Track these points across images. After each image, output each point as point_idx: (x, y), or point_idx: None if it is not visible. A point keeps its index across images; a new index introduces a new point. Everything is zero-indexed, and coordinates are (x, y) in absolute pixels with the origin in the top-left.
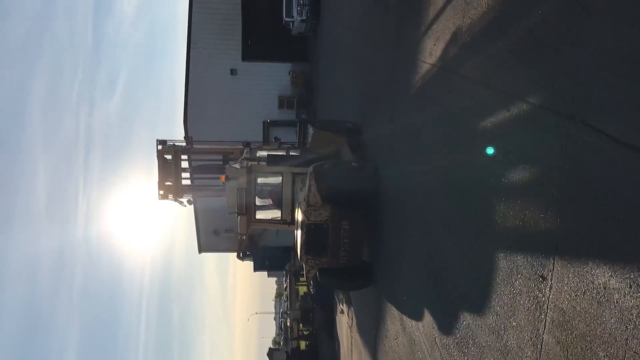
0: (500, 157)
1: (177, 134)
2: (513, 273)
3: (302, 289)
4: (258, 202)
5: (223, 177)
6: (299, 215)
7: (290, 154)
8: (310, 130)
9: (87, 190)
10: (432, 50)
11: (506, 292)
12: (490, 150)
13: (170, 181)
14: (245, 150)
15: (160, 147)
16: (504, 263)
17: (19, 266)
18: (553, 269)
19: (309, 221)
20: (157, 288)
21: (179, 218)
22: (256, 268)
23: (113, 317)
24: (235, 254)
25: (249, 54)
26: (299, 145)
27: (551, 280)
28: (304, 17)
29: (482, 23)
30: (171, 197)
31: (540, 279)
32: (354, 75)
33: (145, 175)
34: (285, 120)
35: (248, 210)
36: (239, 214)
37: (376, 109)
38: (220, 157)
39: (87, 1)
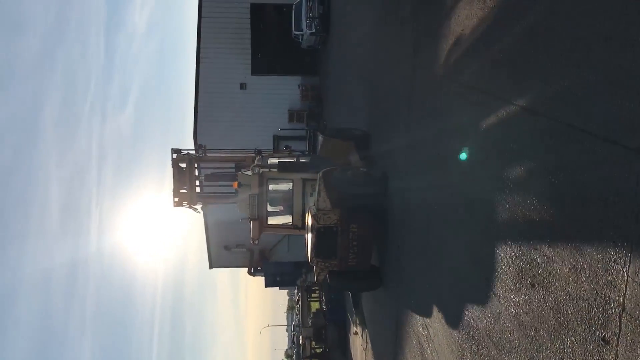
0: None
1: (188, 145)
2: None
3: (315, 306)
4: (269, 207)
5: (235, 184)
6: (309, 219)
7: (301, 161)
8: (320, 138)
9: (100, 202)
10: (450, 62)
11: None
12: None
13: (184, 188)
14: (257, 158)
15: (175, 155)
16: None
17: (33, 280)
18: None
19: (319, 225)
20: (169, 300)
21: (191, 231)
22: (267, 284)
23: (125, 329)
24: (246, 269)
25: (258, 68)
26: (309, 152)
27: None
28: (314, 30)
29: (502, 36)
30: (186, 204)
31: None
32: (364, 88)
33: (157, 186)
34: (296, 135)
35: (260, 215)
36: (251, 219)
37: (386, 121)
38: (233, 164)
39: (99, 16)
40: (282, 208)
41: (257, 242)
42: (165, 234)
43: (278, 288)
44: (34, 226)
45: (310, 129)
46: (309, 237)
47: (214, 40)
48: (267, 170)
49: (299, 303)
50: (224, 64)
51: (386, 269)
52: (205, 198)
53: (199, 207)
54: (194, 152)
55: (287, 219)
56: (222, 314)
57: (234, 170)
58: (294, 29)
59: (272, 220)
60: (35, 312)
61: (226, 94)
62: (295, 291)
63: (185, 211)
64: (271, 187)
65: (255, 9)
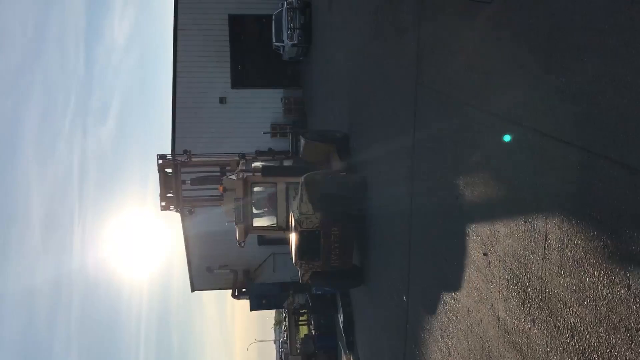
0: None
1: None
2: None
3: (303, 330)
4: (254, 210)
5: (221, 188)
6: (292, 223)
7: (284, 164)
8: (302, 141)
9: (82, 217)
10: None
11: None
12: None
13: (171, 193)
14: (240, 162)
15: (160, 161)
16: None
17: (16, 298)
18: None
19: (302, 228)
20: (155, 314)
21: (174, 247)
22: (252, 307)
23: (111, 345)
24: (230, 291)
25: (238, 81)
26: (292, 154)
27: None
28: (295, 42)
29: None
30: (172, 208)
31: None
32: (351, 103)
33: (139, 199)
34: (279, 150)
35: (245, 218)
36: (237, 223)
37: (369, 132)
38: (218, 168)
39: (78, 30)
40: (266, 209)
41: (243, 245)
42: (149, 248)
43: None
44: (14, 244)
45: (293, 131)
46: (293, 239)
47: (191, 53)
48: (252, 174)
49: (287, 329)
50: (202, 77)
51: (368, 268)
52: (191, 201)
53: (186, 210)
54: (179, 158)
55: (272, 220)
56: (209, 327)
57: (218, 173)
58: (274, 40)
59: (257, 222)
60: (19, 330)
61: (205, 108)
62: (282, 314)
63: (169, 222)
64: (255, 190)
65: (233, 20)
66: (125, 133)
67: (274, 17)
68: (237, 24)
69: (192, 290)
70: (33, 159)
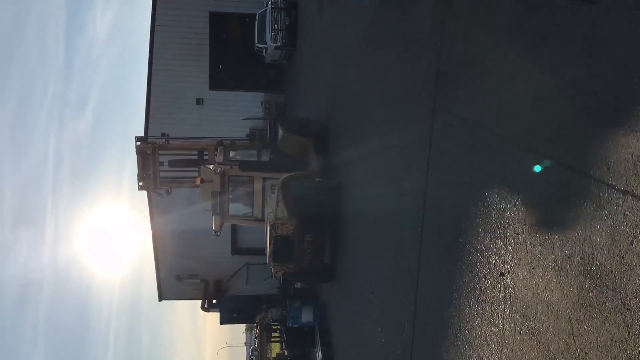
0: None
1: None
2: None
3: (275, 348)
4: (231, 202)
5: (198, 180)
6: (267, 227)
7: (262, 158)
8: (280, 131)
9: (55, 211)
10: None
11: None
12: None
13: (149, 173)
14: (218, 149)
15: (139, 143)
16: None
17: None
18: None
19: (277, 234)
20: (125, 315)
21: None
22: (223, 321)
23: (80, 342)
24: (199, 302)
25: (217, 82)
26: (270, 142)
27: None
28: (279, 44)
29: None
30: (150, 188)
31: None
32: (340, 114)
33: (115, 192)
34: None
35: (222, 210)
36: (213, 213)
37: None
38: (196, 152)
39: (59, 22)
40: (243, 201)
41: (219, 234)
42: (122, 244)
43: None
44: None
45: (271, 120)
46: (268, 240)
47: (168, 51)
48: (229, 167)
49: (258, 346)
50: (178, 77)
51: (339, 266)
52: (169, 182)
53: (163, 191)
54: (157, 141)
55: (247, 210)
56: (180, 328)
57: (196, 156)
58: (256, 42)
59: (233, 209)
60: None
61: (181, 109)
62: (254, 330)
63: (142, 218)
64: (232, 184)
65: (215, 18)
66: (103, 126)
67: (257, 17)
68: (218, 22)
69: (160, 300)
70: (7, 151)
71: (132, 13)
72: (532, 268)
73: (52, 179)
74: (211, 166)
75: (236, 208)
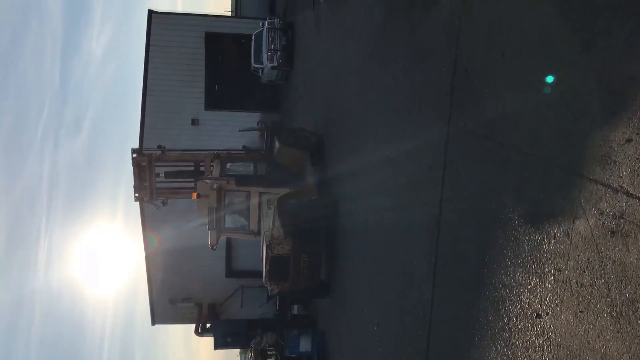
0: None
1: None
2: None
3: None
4: (228, 219)
5: (195, 194)
6: (263, 245)
7: (258, 170)
8: (277, 144)
9: (49, 230)
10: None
11: None
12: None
13: (145, 185)
14: (215, 161)
15: (135, 155)
16: None
17: None
18: None
19: (273, 254)
20: (119, 335)
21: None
22: (217, 345)
23: None
24: (193, 326)
25: (213, 103)
26: (266, 153)
27: None
28: (275, 64)
29: None
30: (146, 199)
31: None
32: (335, 126)
33: (109, 214)
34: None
35: (218, 225)
36: (209, 228)
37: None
38: (192, 163)
39: (55, 42)
40: (240, 215)
41: (215, 248)
42: (116, 266)
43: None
44: None
45: (267, 130)
46: (264, 258)
47: (163, 71)
48: (226, 182)
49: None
50: (174, 97)
51: (338, 287)
52: (166, 193)
53: (159, 202)
54: (154, 152)
55: (244, 223)
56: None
57: (192, 168)
58: (253, 62)
59: (229, 223)
60: None
61: (176, 130)
62: (248, 353)
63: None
64: (229, 199)
65: (210, 39)
66: (98, 146)
67: (253, 37)
68: (214, 42)
69: (153, 324)
70: (1, 172)
71: (128, 33)
72: (580, 311)
73: (46, 199)
74: (207, 181)
75: (232, 221)
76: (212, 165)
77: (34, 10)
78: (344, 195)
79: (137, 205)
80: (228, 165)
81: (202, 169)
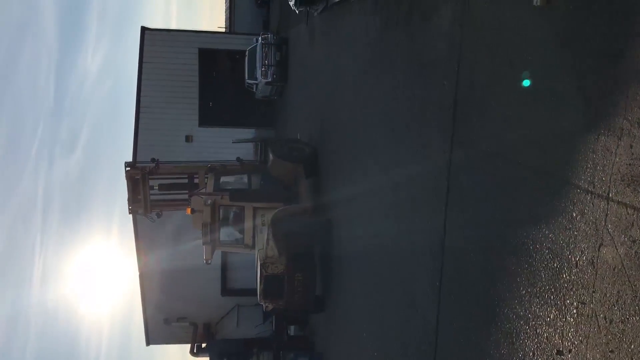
0: None
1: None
2: None
3: None
4: (223, 233)
5: (189, 210)
6: (257, 263)
7: (252, 182)
8: (270, 156)
9: (44, 250)
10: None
11: None
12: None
13: (139, 198)
14: (208, 175)
15: (128, 168)
16: None
17: None
18: None
19: (267, 273)
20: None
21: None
22: None
23: None
24: (188, 346)
25: (207, 119)
26: (260, 163)
27: None
28: (269, 79)
29: None
30: (140, 212)
31: None
32: (330, 140)
33: (105, 232)
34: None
35: (212, 238)
36: (204, 244)
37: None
38: (186, 176)
39: (51, 59)
40: (234, 228)
41: (209, 262)
42: (112, 285)
43: None
44: None
45: (261, 142)
46: (259, 276)
47: (156, 87)
48: (220, 197)
49: None
50: (167, 114)
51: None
52: (160, 205)
53: (154, 214)
54: (147, 165)
55: (238, 236)
56: None
57: (186, 180)
58: (247, 78)
59: (224, 235)
60: None
61: (170, 146)
62: None
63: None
64: (223, 214)
65: (204, 55)
66: (93, 164)
67: (247, 52)
68: (208, 59)
69: (147, 344)
70: None
71: (124, 50)
72: (610, 351)
73: (41, 216)
74: (202, 197)
75: (227, 234)
76: (206, 177)
77: (30, 27)
78: (340, 216)
79: (132, 222)
80: (222, 178)
81: (196, 180)
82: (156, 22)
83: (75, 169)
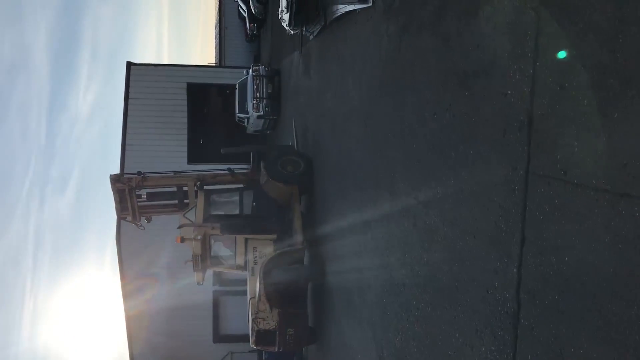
0: None
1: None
2: None
3: None
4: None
5: (179, 239)
6: (249, 311)
7: (244, 200)
8: (263, 170)
9: (34, 290)
10: None
11: None
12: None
13: (126, 205)
14: (198, 195)
15: (114, 182)
16: None
17: None
18: None
19: (258, 328)
20: None
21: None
22: None
23: None
24: None
25: (195, 156)
26: (252, 172)
27: None
28: (262, 113)
29: None
30: (129, 219)
31: None
32: (336, 194)
33: (96, 271)
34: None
35: (203, 263)
36: (195, 270)
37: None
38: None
39: (42, 99)
40: (225, 252)
41: (202, 283)
42: (104, 328)
43: None
44: None
45: (255, 152)
46: (250, 326)
47: (143, 124)
48: (210, 228)
49: None
50: (154, 151)
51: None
52: (148, 211)
53: (144, 221)
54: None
55: (229, 253)
56: None
57: (175, 189)
58: (237, 112)
59: (215, 251)
60: None
61: None
62: None
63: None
64: (214, 242)
65: (192, 90)
66: (84, 203)
67: (237, 85)
68: (197, 94)
69: None
70: None
71: (115, 89)
72: None
73: (32, 258)
74: (191, 225)
75: (218, 250)
76: (196, 191)
77: (21, 68)
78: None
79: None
80: (213, 196)
81: (185, 188)
82: (148, 60)
83: (67, 209)
